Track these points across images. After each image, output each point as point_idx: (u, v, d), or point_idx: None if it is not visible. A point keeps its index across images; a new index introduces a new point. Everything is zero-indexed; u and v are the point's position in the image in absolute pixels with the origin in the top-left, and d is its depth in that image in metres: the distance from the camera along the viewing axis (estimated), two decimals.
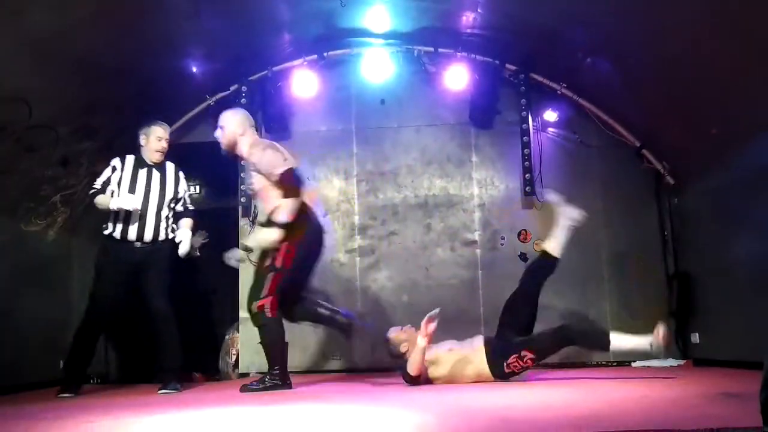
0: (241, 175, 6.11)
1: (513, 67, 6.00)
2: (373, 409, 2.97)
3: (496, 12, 5.36)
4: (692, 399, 3.03)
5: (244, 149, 4.39)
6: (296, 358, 5.89)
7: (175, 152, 6.32)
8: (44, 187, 5.08)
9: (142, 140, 4.77)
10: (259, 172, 4.23)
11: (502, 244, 6.04)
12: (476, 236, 6.09)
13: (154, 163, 4.77)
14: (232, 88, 6.13)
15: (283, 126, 6.20)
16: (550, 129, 6.11)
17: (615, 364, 5.56)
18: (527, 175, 5.97)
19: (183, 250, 4.74)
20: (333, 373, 5.80)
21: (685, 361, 5.46)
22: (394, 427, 2.40)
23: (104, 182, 4.62)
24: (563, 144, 6.08)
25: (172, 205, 4.80)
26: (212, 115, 6.13)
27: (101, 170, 4.76)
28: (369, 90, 6.20)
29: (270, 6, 5.29)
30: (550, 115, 6.02)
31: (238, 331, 6.03)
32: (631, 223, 5.96)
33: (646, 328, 5.60)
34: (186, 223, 4.85)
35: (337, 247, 6.13)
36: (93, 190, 4.61)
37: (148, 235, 4.63)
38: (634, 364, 5.47)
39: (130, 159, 4.73)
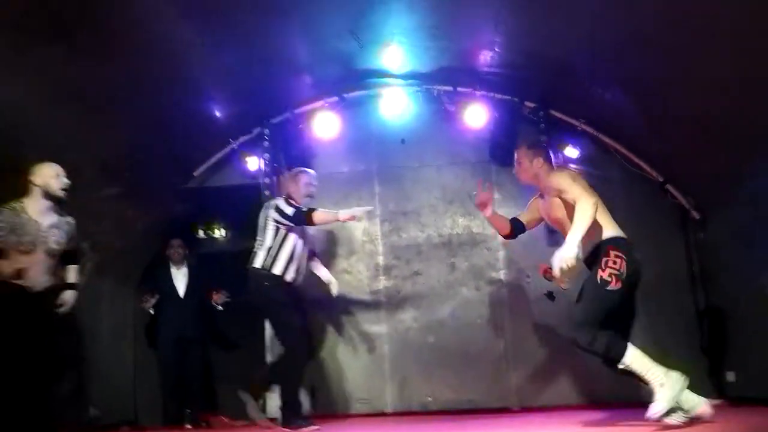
0: None
1: (532, 105, 6.00)
2: None
3: (514, 50, 5.38)
4: None
5: None
6: (320, 401, 5.85)
7: (200, 196, 6.46)
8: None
9: (291, 185, 4.98)
10: None
11: (528, 282, 5.96)
12: (501, 275, 6.03)
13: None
14: (254, 132, 6.22)
15: (306, 167, 6.23)
16: (572, 165, 6.05)
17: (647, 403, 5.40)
18: None
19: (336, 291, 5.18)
20: (360, 417, 5.72)
21: (720, 400, 5.29)
22: None
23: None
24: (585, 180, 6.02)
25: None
26: (235, 159, 6.27)
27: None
28: (389, 130, 6.23)
29: (290, 50, 5.37)
30: (571, 152, 5.97)
31: None
32: (657, 257, 5.79)
33: (678, 366, 5.51)
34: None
35: (362, 288, 6.10)
36: (308, 209, 4.75)
37: (300, 276, 4.91)
38: None
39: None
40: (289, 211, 4.74)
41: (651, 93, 4.99)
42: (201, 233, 7.30)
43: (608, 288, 3.60)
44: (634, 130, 5.63)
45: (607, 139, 5.91)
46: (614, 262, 3.63)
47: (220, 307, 6.03)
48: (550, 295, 5.82)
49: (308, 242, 5.04)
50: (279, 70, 5.61)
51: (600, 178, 5.95)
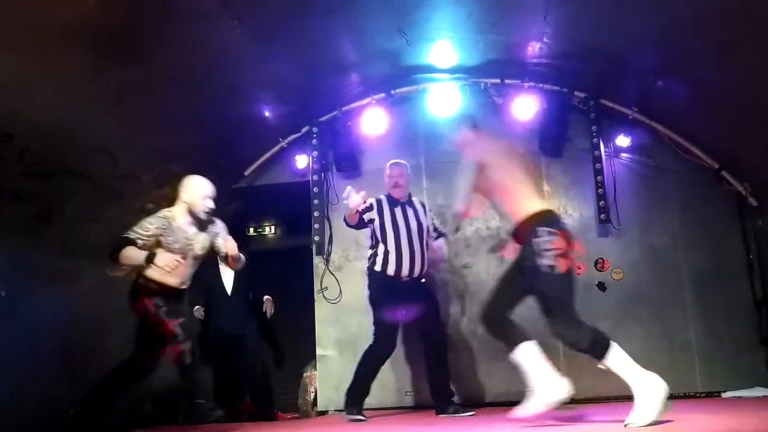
0: (314, 214, 6.21)
1: (582, 94, 5.94)
2: None
3: (562, 40, 5.32)
4: None
5: None
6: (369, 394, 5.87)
7: (250, 194, 6.56)
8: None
9: (384, 179, 5.17)
10: None
11: (578, 274, 5.88)
12: None
13: (402, 200, 5.10)
14: (303, 130, 6.30)
15: (354, 164, 6.29)
16: (624, 154, 5.98)
17: (703, 395, 5.33)
18: (601, 203, 5.85)
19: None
20: (405, 410, 5.74)
21: None
22: None
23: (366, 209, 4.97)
24: (638, 169, 5.94)
25: (426, 237, 5.10)
26: (284, 157, 6.36)
27: None
28: (437, 124, 6.22)
29: (336, 48, 5.41)
30: (623, 141, 5.90)
31: (315, 369, 6.07)
32: (714, 246, 5.74)
33: (735, 355, 5.43)
34: (443, 241, 5.27)
35: None
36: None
37: (405, 268, 4.93)
38: (724, 395, 5.24)
39: (382, 199, 5.07)
40: None
41: (704, 79, 4.90)
42: (251, 231, 7.44)
43: (557, 273, 3.27)
44: (688, 117, 5.53)
45: (659, 127, 5.81)
46: (548, 242, 3.29)
47: (271, 310, 6.24)
48: (601, 286, 5.80)
49: (410, 232, 5.02)
50: (327, 69, 5.66)
51: (654, 167, 5.90)
